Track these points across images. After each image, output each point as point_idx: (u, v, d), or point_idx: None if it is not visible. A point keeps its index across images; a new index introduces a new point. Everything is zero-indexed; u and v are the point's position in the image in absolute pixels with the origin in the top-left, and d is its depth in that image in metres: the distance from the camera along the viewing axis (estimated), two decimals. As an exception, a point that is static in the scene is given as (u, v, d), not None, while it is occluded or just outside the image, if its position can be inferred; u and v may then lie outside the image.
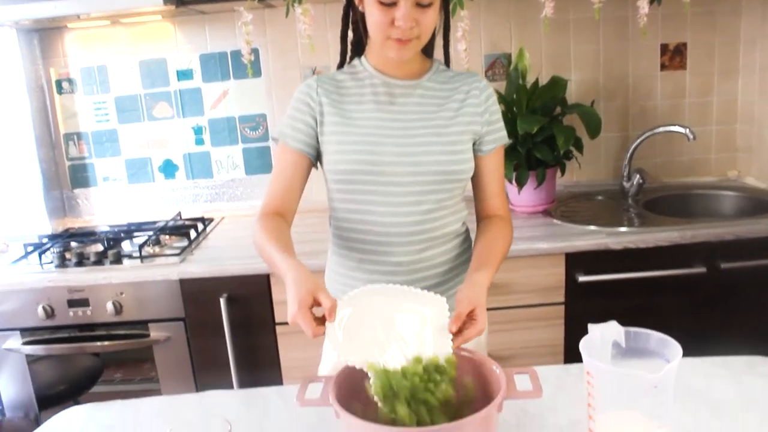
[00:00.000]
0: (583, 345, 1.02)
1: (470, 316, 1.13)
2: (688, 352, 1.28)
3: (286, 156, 1.40)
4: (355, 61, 1.45)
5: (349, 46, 1.47)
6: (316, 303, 1.08)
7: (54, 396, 2.29)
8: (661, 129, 2.46)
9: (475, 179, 1.45)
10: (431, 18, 1.29)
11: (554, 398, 1.25)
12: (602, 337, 1.06)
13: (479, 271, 1.26)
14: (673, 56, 2.61)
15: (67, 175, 2.74)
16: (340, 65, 1.47)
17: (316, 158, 1.41)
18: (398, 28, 1.26)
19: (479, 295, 1.17)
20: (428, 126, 1.36)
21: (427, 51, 1.44)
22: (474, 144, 1.41)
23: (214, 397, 1.38)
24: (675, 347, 0.99)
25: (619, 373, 0.97)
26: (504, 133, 1.45)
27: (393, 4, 1.25)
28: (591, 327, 1.06)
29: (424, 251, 1.37)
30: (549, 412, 1.21)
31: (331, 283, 1.49)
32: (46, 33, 2.61)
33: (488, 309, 1.55)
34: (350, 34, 1.45)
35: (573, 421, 1.16)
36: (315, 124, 1.38)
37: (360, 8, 1.35)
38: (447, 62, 1.49)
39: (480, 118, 1.40)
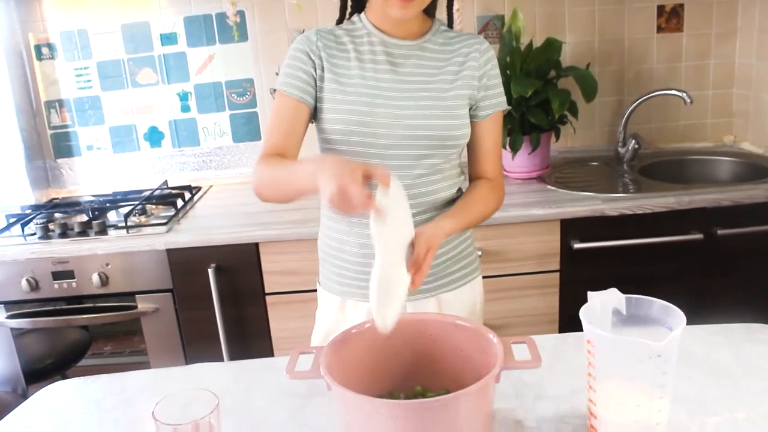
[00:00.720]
0: (583, 313, 0.98)
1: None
2: (687, 320, 1.26)
3: (285, 103, 1.34)
4: (355, 18, 1.41)
5: (349, 1, 1.42)
6: (367, 176, 1.01)
7: (42, 370, 2.24)
8: (658, 93, 2.42)
9: (471, 144, 1.42)
10: None
11: (552, 368, 1.22)
12: (602, 304, 1.02)
13: (446, 218, 1.27)
14: (670, 18, 2.55)
15: (50, 144, 2.67)
16: (339, 20, 1.43)
17: (314, 112, 1.36)
18: None
19: (436, 237, 1.18)
20: (426, 90, 1.32)
21: (429, 10, 1.38)
22: (470, 108, 1.37)
23: (202, 369, 1.35)
24: (678, 315, 0.96)
25: (622, 340, 0.93)
26: (503, 99, 1.41)
27: None
28: (591, 294, 1.03)
29: (416, 216, 1.33)
30: (547, 381, 1.18)
31: (323, 247, 1.46)
32: (23, -4, 2.52)
33: (483, 277, 1.53)
34: None
35: (572, 391, 1.13)
36: (314, 73, 1.34)
37: None
38: (450, 23, 1.45)
39: (477, 83, 1.36)
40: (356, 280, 1.40)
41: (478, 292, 1.50)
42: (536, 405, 1.11)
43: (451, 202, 1.40)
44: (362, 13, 1.40)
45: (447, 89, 1.33)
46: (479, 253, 1.84)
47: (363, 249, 1.36)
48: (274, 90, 1.37)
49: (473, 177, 1.45)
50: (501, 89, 1.41)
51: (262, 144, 1.34)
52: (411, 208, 1.29)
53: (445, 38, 1.39)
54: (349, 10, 1.43)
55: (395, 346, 1.08)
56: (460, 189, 1.45)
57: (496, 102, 1.39)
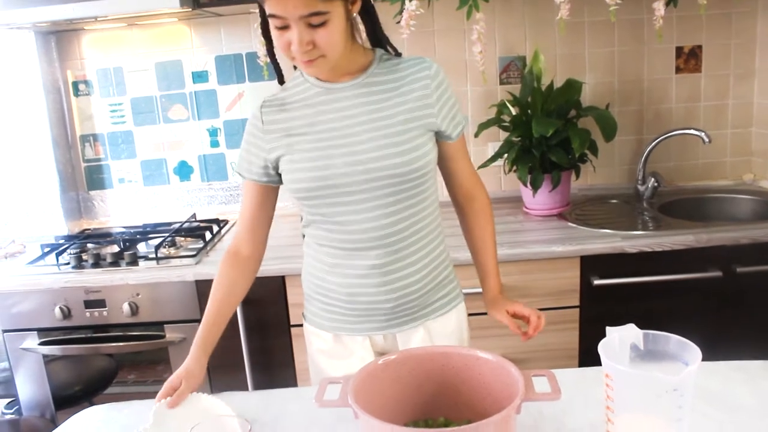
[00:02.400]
0: (602, 347, 1.02)
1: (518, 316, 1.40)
2: (704, 356, 1.27)
3: (246, 188, 1.45)
4: (296, 73, 1.41)
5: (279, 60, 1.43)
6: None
7: (70, 396, 2.31)
8: (676, 132, 2.46)
9: (445, 166, 1.46)
10: (330, 37, 1.21)
11: (571, 401, 1.25)
12: (620, 339, 1.06)
13: (490, 278, 1.50)
14: (689, 59, 2.60)
15: (83, 177, 2.76)
16: (280, 81, 1.46)
17: (278, 180, 1.41)
18: (294, 51, 1.22)
19: (508, 301, 1.42)
20: (377, 128, 1.32)
21: (372, 41, 1.41)
22: (437, 134, 1.39)
23: (231, 397, 1.39)
24: (694, 350, 0.99)
25: (639, 375, 0.97)
26: (461, 114, 1.43)
27: (285, 27, 1.21)
28: (609, 330, 1.06)
29: (398, 252, 1.37)
30: (566, 414, 1.21)
31: (308, 285, 1.51)
32: (63, 35, 2.63)
33: (477, 314, 1.58)
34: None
35: (590, 424, 1.16)
36: (265, 153, 1.37)
37: None
38: (386, 47, 1.43)
39: (434, 110, 1.35)
40: (345, 315, 1.44)
41: (464, 319, 1.53)
42: (556, 438, 1.14)
43: (428, 234, 1.41)
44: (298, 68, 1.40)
45: (399, 123, 1.32)
46: (473, 290, 1.88)
47: (348, 288, 1.40)
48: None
49: (462, 198, 1.50)
50: (459, 106, 1.42)
51: (237, 223, 1.50)
52: (388, 247, 1.36)
53: (389, 67, 1.37)
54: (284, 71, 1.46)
55: (419, 377, 1.12)
56: (437, 216, 1.46)
57: (460, 119, 1.42)
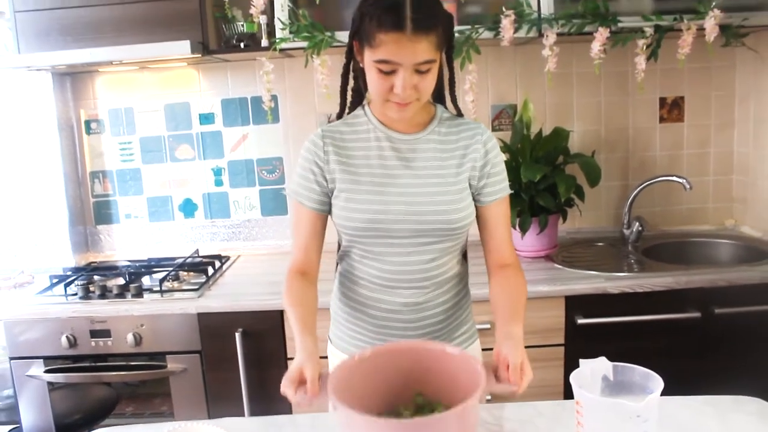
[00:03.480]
0: (574, 377, 1.12)
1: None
2: (682, 393, 1.37)
3: (302, 214, 1.48)
4: (359, 111, 1.49)
5: (350, 93, 1.50)
6: (303, 376, 1.18)
7: (71, 425, 2.36)
8: (660, 179, 2.58)
9: (482, 229, 1.50)
10: (430, 82, 1.32)
11: (551, 429, 1.34)
12: (592, 371, 1.15)
13: (515, 325, 1.30)
14: (672, 109, 2.74)
15: (92, 212, 2.87)
16: (340, 115, 1.51)
17: (329, 210, 1.47)
18: (397, 94, 1.30)
19: (522, 349, 1.25)
20: (433, 183, 1.41)
21: (433, 97, 1.48)
22: (473, 194, 1.46)
23: (231, 423, 1.46)
24: (657, 380, 1.09)
25: (605, 401, 1.06)
26: (506, 184, 1.49)
27: (392, 72, 1.29)
28: (582, 362, 1.16)
29: (429, 293, 1.46)
30: (544, 442, 1.29)
31: (337, 311, 1.58)
32: (78, 76, 2.77)
33: (489, 349, 1.64)
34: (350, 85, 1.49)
35: (566, 451, 1.25)
36: (326, 182, 1.44)
37: (361, 64, 1.38)
38: (454, 107, 1.51)
39: (478, 172, 1.44)
40: (369, 342, 1.51)
41: (479, 355, 1.60)
42: (534, 462, 1.23)
43: (456, 276, 1.51)
44: (365, 106, 1.49)
45: (452, 180, 1.42)
46: (487, 325, 1.98)
47: (379, 321, 1.48)
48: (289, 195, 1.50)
49: (494, 264, 1.50)
50: (505, 175, 1.49)
51: (291, 253, 1.49)
52: (422, 288, 1.44)
53: (448, 127, 1.46)
54: (349, 104, 1.51)
55: (391, 371, 1.19)
56: (465, 259, 1.56)
57: (500, 188, 1.47)
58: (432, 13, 1.29)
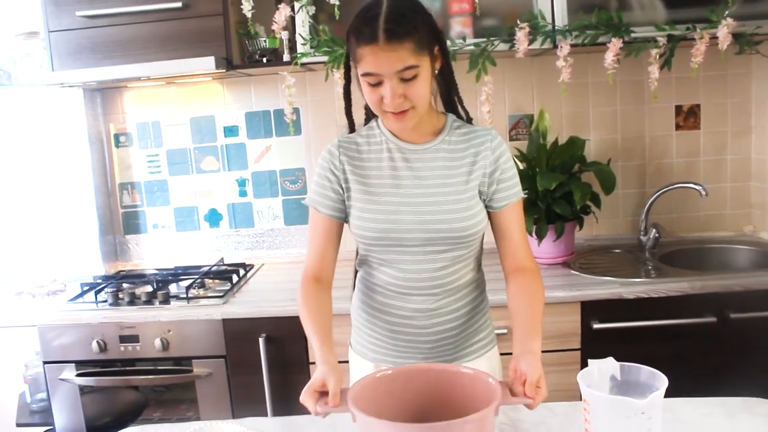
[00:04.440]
0: (581, 377, 1.16)
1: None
2: (697, 396, 1.40)
3: (317, 221, 1.52)
4: (372, 123, 1.54)
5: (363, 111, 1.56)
6: (324, 387, 1.21)
7: (101, 427, 2.45)
8: (676, 185, 2.61)
9: (496, 235, 1.52)
10: (419, 89, 1.35)
11: (562, 429, 1.39)
12: (600, 371, 1.20)
13: (533, 339, 1.31)
14: (687, 117, 2.77)
15: (120, 222, 2.97)
16: (351, 130, 1.57)
17: (345, 218, 1.52)
18: (387, 104, 1.35)
19: (539, 365, 1.24)
20: (444, 193, 1.45)
21: (446, 103, 1.54)
22: (484, 201, 1.49)
23: (253, 422, 1.53)
24: (662, 378, 1.13)
25: (611, 399, 1.11)
26: (518, 189, 1.50)
27: (379, 84, 1.34)
28: (590, 362, 1.21)
29: (441, 299, 1.50)
30: (555, 440, 1.34)
31: (356, 317, 1.63)
32: (108, 92, 2.88)
33: (509, 354, 1.68)
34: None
35: (576, 449, 1.29)
36: (342, 190, 1.49)
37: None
38: (461, 117, 1.55)
39: (487, 179, 1.47)
40: (387, 348, 1.56)
41: (496, 365, 1.62)
42: (545, 459, 1.27)
43: (470, 283, 1.55)
44: (378, 119, 1.52)
45: (463, 188, 1.45)
46: (504, 330, 2.02)
47: (393, 326, 1.53)
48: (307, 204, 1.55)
49: (511, 269, 1.50)
50: (516, 179, 1.50)
51: (305, 258, 1.54)
52: (434, 295, 1.49)
53: (459, 135, 1.49)
54: (365, 116, 1.58)
55: (409, 391, 1.25)
56: (480, 267, 1.59)
57: (512, 193, 1.49)
58: (405, 21, 1.31)
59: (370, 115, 1.57)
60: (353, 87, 1.48)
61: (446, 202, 1.45)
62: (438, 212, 1.44)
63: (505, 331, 2.07)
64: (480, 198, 1.48)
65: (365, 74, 1.35)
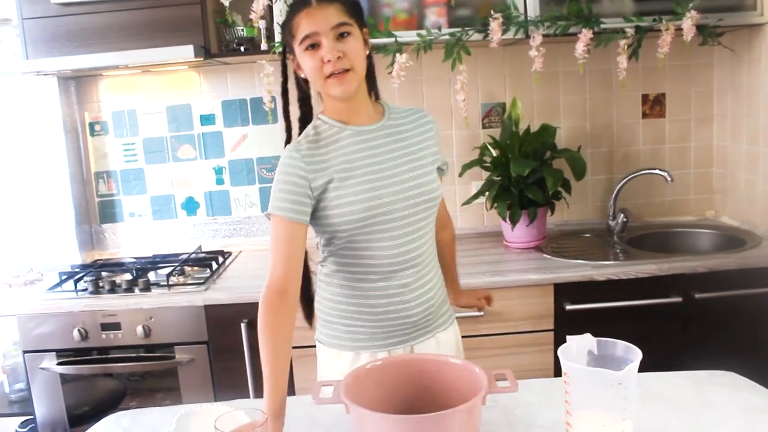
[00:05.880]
0: (561, 351, 1.23)
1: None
2: (666, 371, 1.48)
3: (284, 229, 1.45)
4: (316, 122, 1.56)
5: (294, 117, 1.61)
6: None
7: (81, 416, 2.46)
8: (643, 172, 2.71)
9: None
10: (354, 47, 1.45)
11: (540, 404, 1.45)
12: (578, 346, 1.27)
13: (457, 281, 1.88)
14: (654, 105, 2.87)
15: (97, 211, 2.96)
16: (287, 141, 1.58)
17: (312, 219, 1.51)
18: (329, 62, 1.42)
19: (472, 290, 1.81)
20: (408, 162, 1.55)
21: (373, 92, 1.63)
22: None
23: (242, 404, 1.56)
24: (636, 352, 1.20)
25: (590, 370, 1.17)
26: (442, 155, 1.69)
27: (317, 45, 1.43)
28: (569, 338, 1.27)
29: (421, 270, 1.57)
30: (535, 414, 1.41)
31: (327, 312, 1.63)
32: (82, 80, 2.86)
33: (484, 335, 1.80)
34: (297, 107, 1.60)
35: (555, 422, 1.36)
36: (311, 192, 1.46)
37: (300, 74, 1.52)
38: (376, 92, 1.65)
39: (436, 147, 1.64)
40: (370, 335, 1.59)
41: (459, 334, 1.75)
42: None
43: (434, 251, 1.66)
44: (320, 116, 1.56)
45: (421, 156, 1.57)
46: (481, 312, 2.09)
47: (380, 308, 1.57)
48: (268, 215, 1.49)
49: (439, 225, 1.71)
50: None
51: (268, 271, 1.43)
52: (417, 266, 1.57)
53: (399, 114, 1.62)
54: (296, 125, 1.61)
55: (398, 381, 1.30)
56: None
57: (443, 159, 1.68)
58: None
59: (305, 112, 1.61)
60: (290, 85, 1.59)
61: (414, 169, 1.55)
62: (411, 179, 1.54)
63: (481, 313, 2.15)
64: (435, 164, 1.62)
65: (304, 38, 1.44)
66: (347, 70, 1.45)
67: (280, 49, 1.62)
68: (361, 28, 1.50)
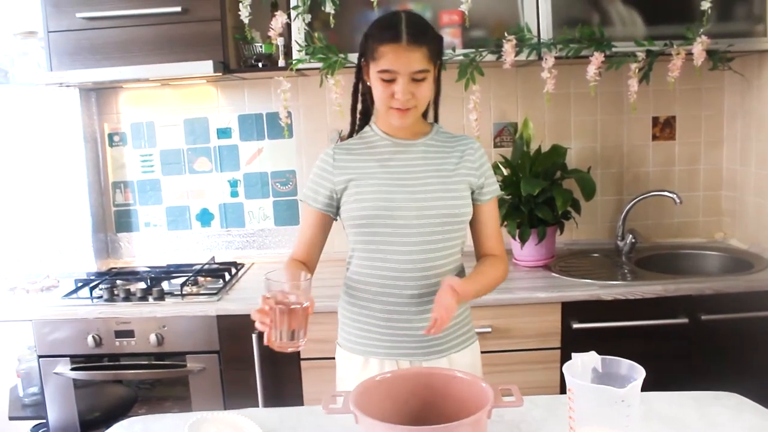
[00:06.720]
0: (566, 368, 1.26)
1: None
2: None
3: (308, 214, 1.69)
4: (366, 128, 1.70)
5: (358, 116, 1.72)
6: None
7: (93, 421, 2.49)
8: (653, 193, 2.73)
9: (474, 225, 1.70)
10: (425, 90, 1.55)
11: (545, 419, 1.48)
12: (583, 363, 1.30)
13: (468, 282, 1.56)
14: (664, 128, 2.90)
15: (113, 220, 3.02)
16: (350, 134, 1.73)
17: (336, 213, 1.67)
18: (398, 99, 1.52)
19: (454, 298, 1.45)
20: (432, 175, 1.61)
21: (428, 115, 1.70)
22: (473, 194, 1.66)
23: (254, 413, 1.60)
24: (640, 370, 1.23)
25: (594, 387, 1.20)
26: (497, 186, 1.72)
27: (392, 81, 1.51)
28: (574, 355, 1.30)
29: (434, 285, 1.60)
30: (540, 430, 1.44)
31: (345, 313, 1.72)
32: (103, 92, 2.93)
33: (492, 352, 1.78)
34: (359, 105, 1.72)
35: (560, 437, 1.39)
36: (333, 186, 1.63)
37: (368, 83, 1.61)
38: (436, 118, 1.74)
39: (476, 172, 1.65)
40: (379, 341, 1.64)
41: (478, 356, 1.76)
42: (530, 445, 1.37)
43: (456, 271, 1.67)
44: (372, 124, 1.69)
45: (449, 175, 1.61)
46: (489, 329, 2.12)
47: (388, 314, 1.62)
48: (301, 200, 1.73)
49: (482, 253, 1.72)
50: (495, 179, 1.71)
51: (295, 243, 1.72)
52: (426, 279, 1.60)
53: (445, 137, 1.69)
54: (358, 123, 1.73)
55: (406, 394, 1.33)
56: (462, 266, 1.71)
57: (494, 188, 1.70)
58: (425, 30, 1.54)
59: (359, 122, 1.73)
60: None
61: (441, 184, 1.61)
62: (433, 191, 1.59)
63: (489, 329, 2.17)
64: (470, 189, 1.65)
65: (382, 71, 1.52)
66: (410, 108, 1.55)
67: (357, 55, 1.65)
68: (437, 65, 1.58)
